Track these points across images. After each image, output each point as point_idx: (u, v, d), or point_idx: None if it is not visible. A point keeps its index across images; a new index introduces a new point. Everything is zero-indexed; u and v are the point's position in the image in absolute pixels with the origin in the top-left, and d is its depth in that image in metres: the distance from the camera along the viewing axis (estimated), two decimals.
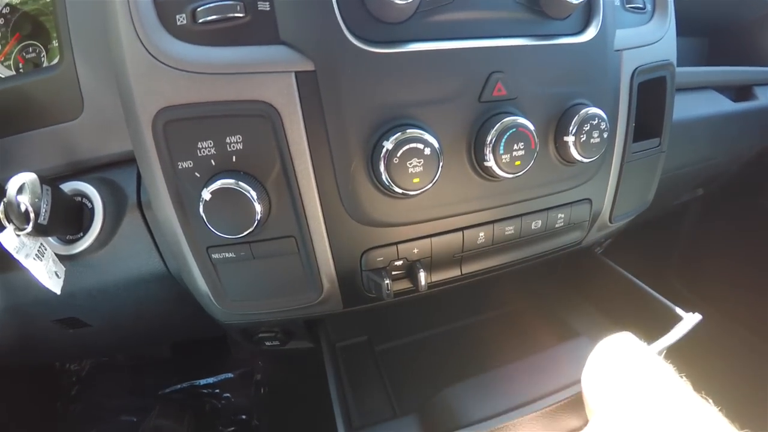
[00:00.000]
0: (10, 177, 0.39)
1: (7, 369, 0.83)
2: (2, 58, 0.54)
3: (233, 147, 0.35)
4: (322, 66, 0.34)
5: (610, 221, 0.53)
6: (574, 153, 0.41)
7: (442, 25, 0.37)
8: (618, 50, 0.46)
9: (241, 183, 0.34)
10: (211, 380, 0.94)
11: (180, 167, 0.35)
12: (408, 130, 0.35)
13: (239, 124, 0.35)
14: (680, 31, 0.53)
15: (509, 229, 0.44)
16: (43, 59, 0.57)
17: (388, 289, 0.39)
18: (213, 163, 0.35)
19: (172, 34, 0.34)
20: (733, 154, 0.90)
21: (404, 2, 0.33)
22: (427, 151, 0.35)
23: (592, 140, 0.41)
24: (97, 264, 0.45)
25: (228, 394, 0.92)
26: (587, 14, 0.42)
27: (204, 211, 0.34)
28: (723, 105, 0.78)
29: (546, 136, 0.41)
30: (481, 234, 0.43)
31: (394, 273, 0.41)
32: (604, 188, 0.49)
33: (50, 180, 0.42)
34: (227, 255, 0.38)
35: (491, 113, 0.38)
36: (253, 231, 0.35)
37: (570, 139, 0.41)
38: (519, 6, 0.39)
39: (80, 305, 0.49)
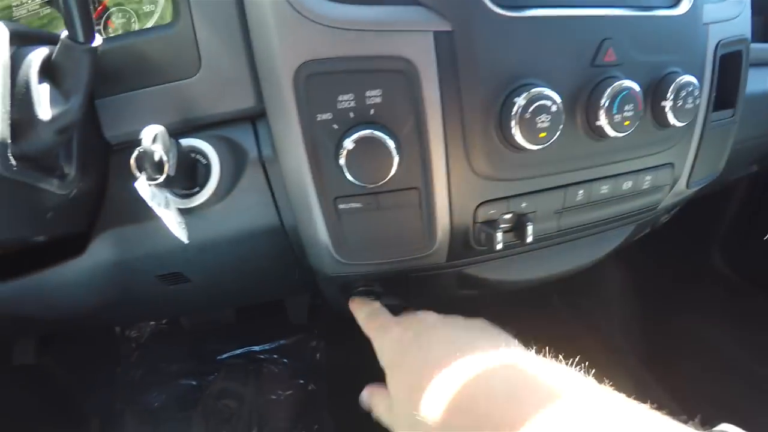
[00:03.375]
0: (137, 130, 0.40)
1: (72, 334, 0.86)
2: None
3: (372, 101, 0.37)
4: (460, 26, 0.37)
5: (687, 186, 0.56)
6: (671, 117, 0.44)
7: None
8: (705, 23, 0.49)
9: (381, 134, 0.36)
10: (267, 346, 0.98)
11: (318, 119, 0.38)
12: (534, 89, 0.37)
13: (379, 79, 0.37)
14: None
15: (604, 188, 0.47)
16: (133, 24, 0.57)
17: (499, 240, 0.42)
18: (352, 116, 0.37)
19: None
20: None
21: None
22: (554, 107, 0.38)
23: (686, 106, 0.44)
24: (212, 217, 0.47)
25: (285, 360, 0.96)
26: None
27: (345, 161, 0.37)
28: None
29: (645, 100, 0.44)
30: (581, 192, 0.46)
31: (502, 226, 0.44)
32: (686, 154, 0.52)
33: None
34: (354, 205, 0.41)
35: (602, 77, 0.41)
36: (387, 181, 0.38)
37: (667, 104, 0.43)
38: None
39: (189, 259, 0.52)
